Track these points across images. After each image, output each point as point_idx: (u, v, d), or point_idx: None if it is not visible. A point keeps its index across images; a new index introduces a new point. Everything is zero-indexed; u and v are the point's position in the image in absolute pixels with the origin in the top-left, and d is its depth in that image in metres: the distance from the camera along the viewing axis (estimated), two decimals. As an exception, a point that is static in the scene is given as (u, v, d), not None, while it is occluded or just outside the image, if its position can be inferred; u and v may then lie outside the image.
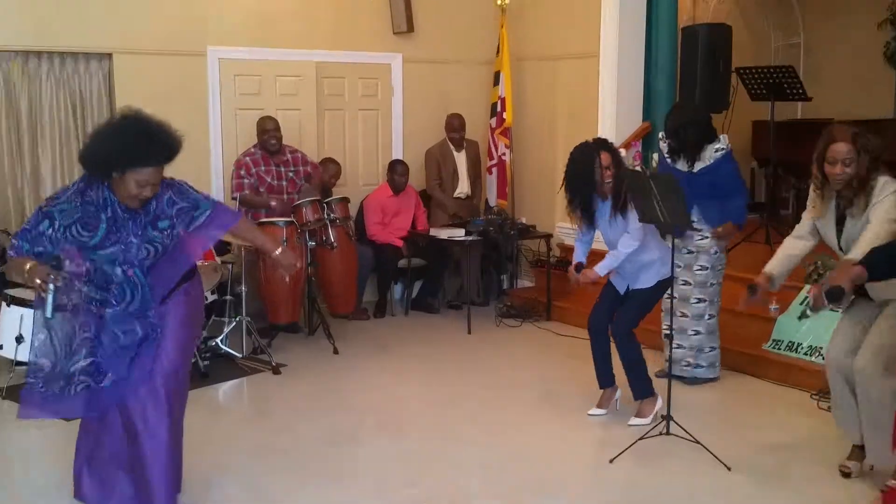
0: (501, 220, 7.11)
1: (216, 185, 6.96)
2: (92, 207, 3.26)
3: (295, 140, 7.03)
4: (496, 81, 7.78)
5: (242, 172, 6.47)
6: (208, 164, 6.96)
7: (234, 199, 6.44)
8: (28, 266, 3.14)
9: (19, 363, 5.11)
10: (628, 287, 4.71)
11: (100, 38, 6.50)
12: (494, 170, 7.83)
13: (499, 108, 7.72)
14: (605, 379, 4.85)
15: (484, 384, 5.47)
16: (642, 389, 4.70)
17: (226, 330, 5.94)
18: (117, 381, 3.38)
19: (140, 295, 3.39)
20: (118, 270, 3.34)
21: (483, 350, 6.32)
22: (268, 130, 6.54)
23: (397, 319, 7.26)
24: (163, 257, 3.42)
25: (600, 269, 4.63)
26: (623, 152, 6.79)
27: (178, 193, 3.42)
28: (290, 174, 6.64)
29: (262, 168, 6.52)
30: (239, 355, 5.89)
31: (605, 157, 4.51)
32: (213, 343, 5.83)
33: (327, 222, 6.30)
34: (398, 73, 7.78)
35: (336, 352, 6.16)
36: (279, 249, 3.64)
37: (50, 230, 3.22)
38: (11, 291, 5.27)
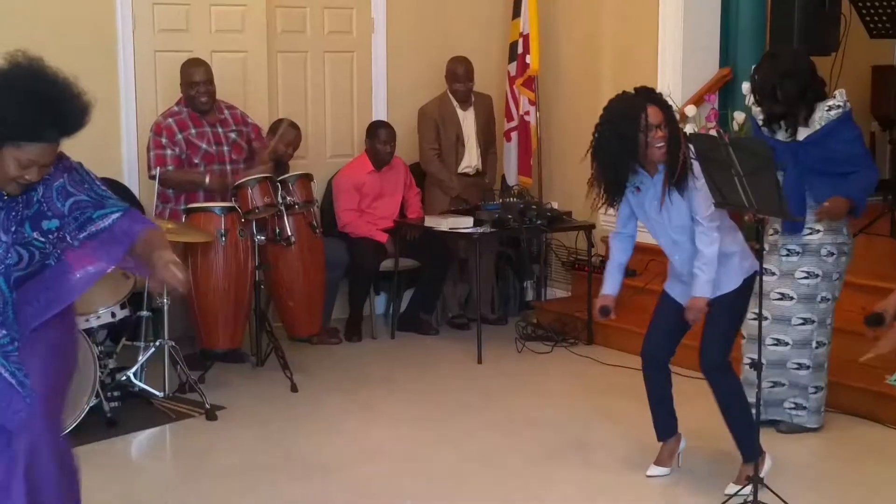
0: (524, 204, 7.10)
1: (127, 156, 6.95)
2: None
3: (237, 95, 7.02)
4: (516, 12, 7.77)
5: (164, 140, 6.45)
6: (117, 128, 6.94)
7: (151, 177, 6.42)
8: None
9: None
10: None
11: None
12: (514, 135, 7.81)
13: (520, 50, 7.73)
14: (667, 427, 4.82)
15: (498, 437, 5.44)
16: (750, 445, 4.58)
17: (141, 359, 5.91)
18: None
19: (3, 315, 3.28)
20: None
21: (498, 386, 6.31)
22: (196, 83, 6.51)
23: (379, 343, 7.25)
24: (38, 274, 3.34)
25: (704, 291, 4.50)
26: (692, 110, 6.82)
27: (77, 183, 3.31)
28: (233, 136, 6.62)
29: (193, 131, 6.50)
30: (159, 394, 5.87)
31: (653, 113, 4.41)
32: (124, 377, 5.80)
33: (282, 209, 6.29)
34: (380, 1, 7.78)
35: (294, 389, 6.15)
36: (166, 260, 3.29)
37: None
38: None
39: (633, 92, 4.49)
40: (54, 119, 3.11)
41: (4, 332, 3.25)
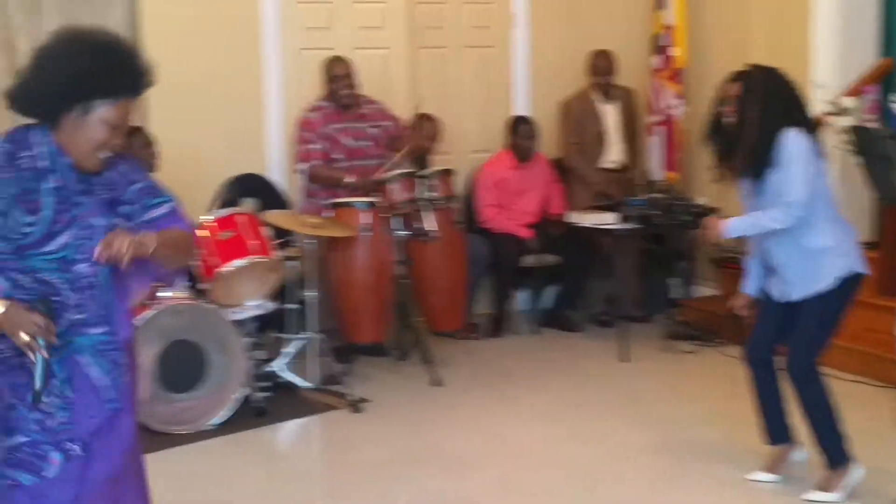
0: (670, 200, 7.03)
1: (272, 153, 7.10)
2: (28, 175, 2.92)
3: (379, 91, 7.10)
4: (659, 4, 7.72)
5: (309, 135, 6.59)
6: (262, 125, 7.10)
7: (299, 171, 6.56)
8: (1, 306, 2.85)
9: None
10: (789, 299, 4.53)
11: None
12: (659, 129, 7.75)
13: (664, 42, 7.67)
14: (777, 431, 4.72)
15: (640, 436, 5.41)
16: (835, 452, 4.50)
17: (288, 351, 6.07)
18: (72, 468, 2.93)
19: (106, 309, 3.03)
20: (70, 274, 2.95)
21: (644, 386, 6.27)
22: (337, 77, 6.65)
23: (521, 340, 7.27)
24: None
25: (732, 227, 4.54)
26: (850, 101, 6.66)
27: (134, 168, 3.12)
28: (375, 131, 6.73)
29: (336, 126, 6.63)
30: (306, 386, 6.01)
31: (728, 88, 4.62)
32: (271, 369, 5.95)
33: (424, 204, 6.37)
34: (522, -7, 7.83)
35: (437, 383, 6.22)
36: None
37: None
38: None
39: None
40: (137, 71, 2.99)
41: (105, 328, 3.00)
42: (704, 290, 7.83)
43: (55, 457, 2.90)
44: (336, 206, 6.29)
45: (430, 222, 6.38)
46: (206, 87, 6.68)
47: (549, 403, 5.96)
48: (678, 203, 7.04)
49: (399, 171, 6.35)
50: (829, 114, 6.59)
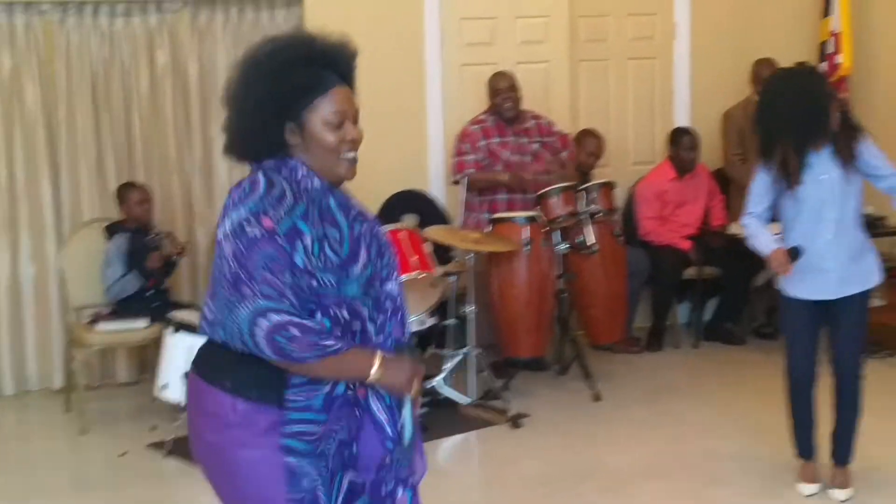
0: (835, 211, 6.81)
1: (433, 167, 7.15)
2: (316, 199, 2.61)
3: (540, 105, 7.07)
4: (827, 11, 7.56)
5: (466, 147, 6.59)
6: (424, 140, 7.15)
7: (455, 182, 6.57)
8: (377, 360, 2.58)
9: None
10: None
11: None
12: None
13: (831, 49, 7.52)
14: (813, 446, 4.78)
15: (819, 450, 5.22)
16: (853, 448, 4.67)
17: (448, 367, 6.07)
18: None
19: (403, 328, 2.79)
20: (375, 295, 2.68)
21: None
22: (500, 91, 6.63)
23: (682, 353, 7.17)
24: None
25: None
26: None
27: None
28: (536, 147, 6.69)
29: (496, 140, 6.61)
30: (465, 401, 6.00)
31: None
32: (431, 385, 5.97)
33: (585, 217, 6.30)
34: (684, 4, 7.68)
35: (597, 398, 6.15)
36: None
37: (305, 260, 2.52)
38: (179, 314, 5.65)
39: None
40: (321, 58, 2.67)
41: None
42: (873, 301, 7.53)
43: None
44: (496, 220, 6.27)
45: (590, 235, 6.32)
46: (369, 104, 6.61)
47: (712, 418, 5.83)
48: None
49: (561, 185, 6.30)
50: None
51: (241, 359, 2.53)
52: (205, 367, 2.63)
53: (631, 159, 7.70)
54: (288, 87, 2.57)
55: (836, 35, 7.47)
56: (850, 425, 4.65)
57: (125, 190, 6.38)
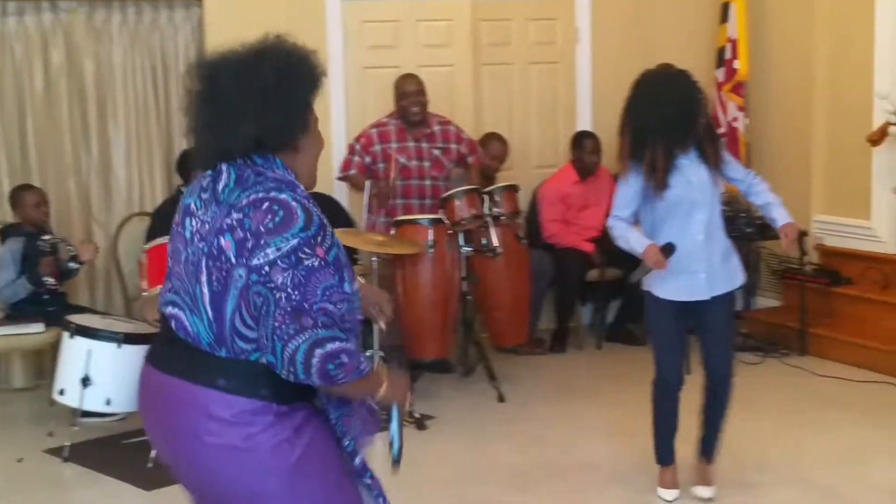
0: (732, 212, 6.91)
1: (338, 170, 7.10)
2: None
3: (444, 109, 7.06)
4: (724, 17, 7.65)
5: (357, 147, 6.64)
6: (328, 141, 6.97)
7: (339, 178, 6.71)
8: (385, 376, 2.68)
9: (86, 413, 5.36)
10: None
11: (187, -21, 6.76)
12: (723, 141, 7.63)
13: (728, 55, 7.61)
14: (674, 451, 4.75)
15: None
16: (719, 447, 4.71)
17: (353, 368, 6.03)
18: None
19: None
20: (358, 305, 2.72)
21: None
22: (407, 94, 6.61)
23: (586, 354, 7.22)
24: None
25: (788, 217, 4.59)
26: (913, 116, 6.51)
27: None
28: (437, 152, 6.68)
29: (395, 145, 6.59)
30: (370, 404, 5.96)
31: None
32: (336, 386, 5.92)
33: (489, 220, 6.31)
34: (585, 9, 7.75)
35: (501, 398, 6.17)
36: None
37: (349, 286, 2.60)
38: (77, 318, 5.52)
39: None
40: (313, 63, 2.77)
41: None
42: (767, 302, 7.70)
43: None
44: (400, 223, 6.25)
45: (494, 238, 6.32)
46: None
47: (615, 418, 5.88)
48: (741, 215, 7.00)
49: (465, 188, 6.30)
50: (892, 123, 6.51)
51: (232, 362, 2.57)
52: (202, 371, 2.59)
53: (534, 163, 7.73)
54: (315, 90, 2.69)
55: (733, 41, 7.55)
56: (720, 424, 4.66)
57: (20, 192, 6.23)
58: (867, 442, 5.36)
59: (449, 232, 6.19)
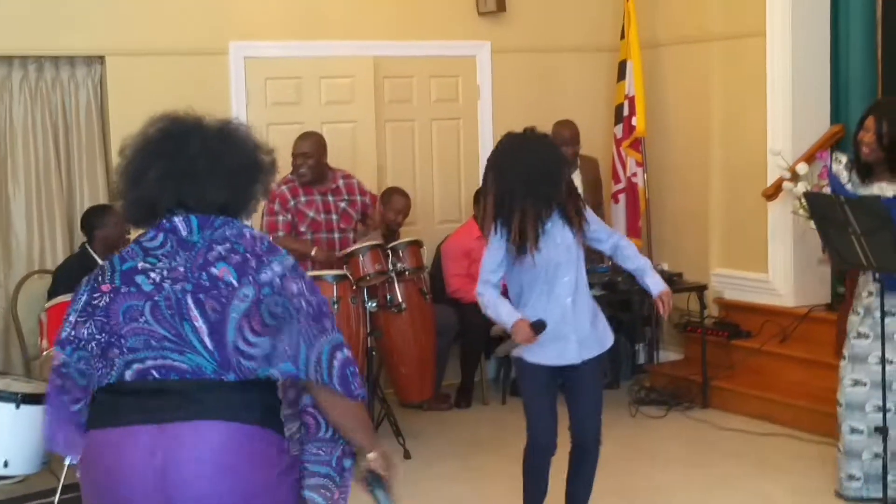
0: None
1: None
2: None
3: (347, 164, 7.07)
4: (622, 75, 7.77)
5: (276, 207, 6.52)
6: (231, 200, 7.04)
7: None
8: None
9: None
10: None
11: (89, 38, 6.69)
12: (622, 197, 7.74)
13: (626, 112, 7.72)
14: None
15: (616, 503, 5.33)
16: None
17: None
18: None
19: None
20: None
21: (612, 452, 6.07)
22: (296, 155, 6.53)
23: (491, 409, 7.22)
24: None
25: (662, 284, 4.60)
26: (804, 167, 6.67)
27: None
28: (343, 205, 6.66)
29: (303, 199, 6.55)
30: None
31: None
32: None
33: (393, 276, 6.31)
34: (486, 67, 7.84)
35: (407, 455, 6.15)
36: None
37: None
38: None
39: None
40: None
41: None
42: (670, 355, 7.78)
43: None
44: (304, 280, 6.21)
45: (398, 294, 6.32)
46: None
47: (517, 472, 5.84)
48: (642, 270, 7.00)
49: (368, 244, 6.29)
50: (785, 180, 6.66)
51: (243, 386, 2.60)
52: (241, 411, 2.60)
53: (437, 218, 7.77)
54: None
55: (630, 98, 7.67)
56: (590, 486, 4.61)
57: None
58: (769, 494, 5.41)
59: (353, 288, 6.17)
